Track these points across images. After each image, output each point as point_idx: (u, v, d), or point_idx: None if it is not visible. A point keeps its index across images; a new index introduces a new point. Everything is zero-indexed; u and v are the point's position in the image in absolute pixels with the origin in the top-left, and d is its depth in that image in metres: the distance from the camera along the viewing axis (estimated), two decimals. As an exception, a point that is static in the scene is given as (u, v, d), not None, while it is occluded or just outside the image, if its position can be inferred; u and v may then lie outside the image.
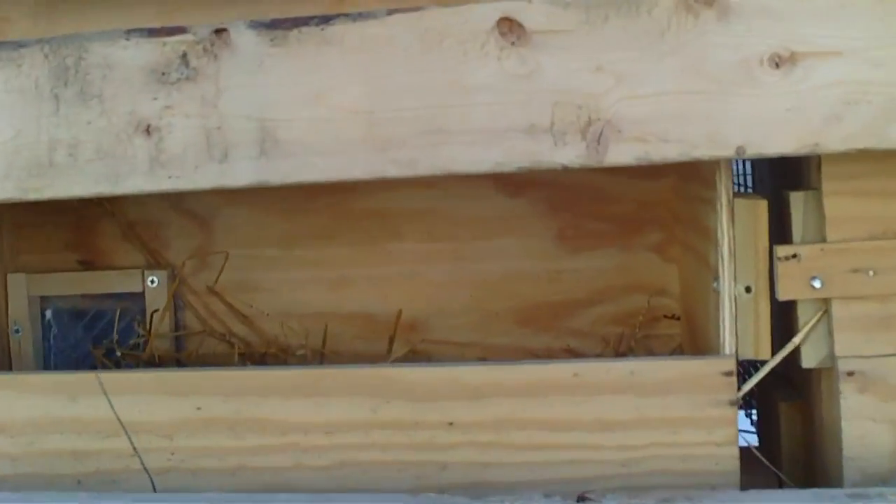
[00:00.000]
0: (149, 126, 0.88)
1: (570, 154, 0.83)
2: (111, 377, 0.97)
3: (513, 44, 0.82)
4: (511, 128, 0.83)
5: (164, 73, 0.88)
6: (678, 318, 1.23)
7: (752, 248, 0.89)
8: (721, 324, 0.89)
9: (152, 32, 0.89)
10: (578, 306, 1.24)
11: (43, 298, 1.27)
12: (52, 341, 1.28)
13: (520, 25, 0.82)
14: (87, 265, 1.30)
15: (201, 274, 1.28)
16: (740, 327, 0.89)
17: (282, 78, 0.85)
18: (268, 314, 1.27)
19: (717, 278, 0.90)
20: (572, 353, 1.25)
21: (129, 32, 0.89)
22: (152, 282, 1.26)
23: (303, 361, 1.24)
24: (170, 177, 0.88)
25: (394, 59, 0.84)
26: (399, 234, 1.25)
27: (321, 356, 1.23)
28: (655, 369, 0.89)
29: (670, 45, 0.82)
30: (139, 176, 0.89)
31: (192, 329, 1.29)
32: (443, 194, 1.23)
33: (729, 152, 0.83)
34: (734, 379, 0.88)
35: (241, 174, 0.87)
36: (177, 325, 1.29)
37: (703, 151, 0.83)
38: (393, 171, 0.84)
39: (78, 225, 1.30)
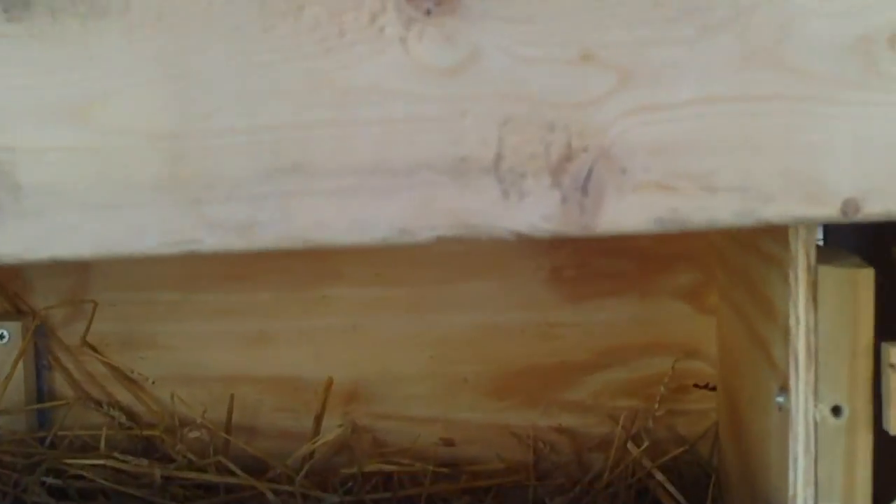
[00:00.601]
0: None
1: (533, 213, 0.48)
2: None
3: (428, 13, 0.46)
4: (424, 164, 0.48)
5: None
6: (714, 389, 0.90)
7: (847, 347, 0.55)
8: (791, 464, 0.56)
9: None
10: (577, 371, 0.91)
11: None
12: None
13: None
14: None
15: (75, 324, 0.96)
16: (823, 470, 0.56)
17: (20, 76, 0.50)
18: (153, 381, 0.95)
19: (783, 390, 0.57)
20: (566, 434, 0.92)
21: None
22: (1, 337, 0.93)
23: (198, 444, 0.92)
24: None
25: (214, 44, 0.48)
26: (337, 276, 0.92)
27: (226, 442, 0.91)
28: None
29: (722, 14, 0.48)
30: None
31: (62, 397, 0.97)
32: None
33: (830, 211, 0.47)
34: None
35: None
36: (40, 394, 0.97)
37: (781, 209, 0.47)
38: (211, 242, 0.50)
39: None
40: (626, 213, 0.48)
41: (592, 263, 0.90)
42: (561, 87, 0.47)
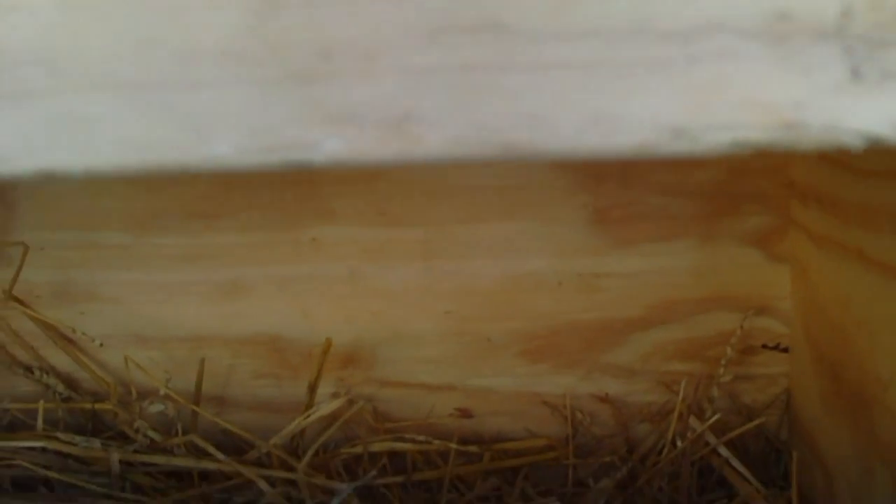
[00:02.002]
0: None
1: None
2: None
3: None
4: (718, 24, 0.28)
5: None
6: (786, 350, 0.76)
7: None
8: None
9: None
10: (625, 329, 0.76)
11: None
12: None
13: None
14: None
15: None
16: None
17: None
18: (101, 343, 0.77)
19: None
20: (610, 404, 0.77)
21: None
22: None
23: (161, 420, 0.74)
24: None
25: None
26: (330, 213, 0.74)
27: (193, 413, 0.73)
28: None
29: None
30: None
31: (-17, 362, 0.78)
32: (404, 144, 0.73)
33: None
34: None
35: None
36: (-46, 358, 0.78)
37: None
38: (332, 148, 0.28)
39: None
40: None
41: (644, 202, 0.74)
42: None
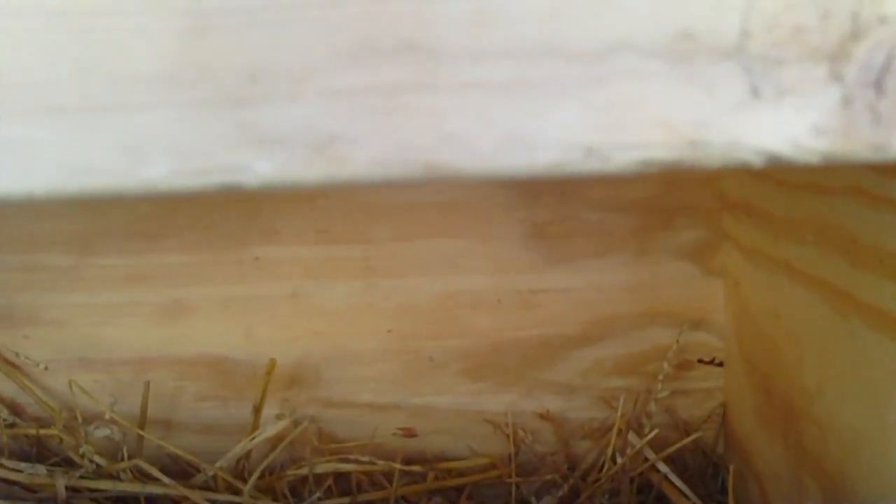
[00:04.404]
0: None
1: (797, 122, 0.29)
2: None
3: None
4: (624, 44, 0.29)
5: None
6: (721, 365, 0.77)
7: None
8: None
9: None
10: (563, 346, 0.77)
11: None
12: None
13: None
14: None
15: (-61, 296, 0.77)
16: None
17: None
18: (46, 367, 0.77)
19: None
20: (551, 421, 0.78)
21: None
22: None
23: (108, 445, 0.75)
24: None
25: None
26: (272, 232, 0.75)
27: (139, 437, 0.74)
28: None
29: None
30: None
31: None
32: (345, 166, 0.74)
33: None
34: None
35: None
36: None
37: None
38: (263, 169, 0.30)
39: None
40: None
41: (581, 217, 0.75)
42: None
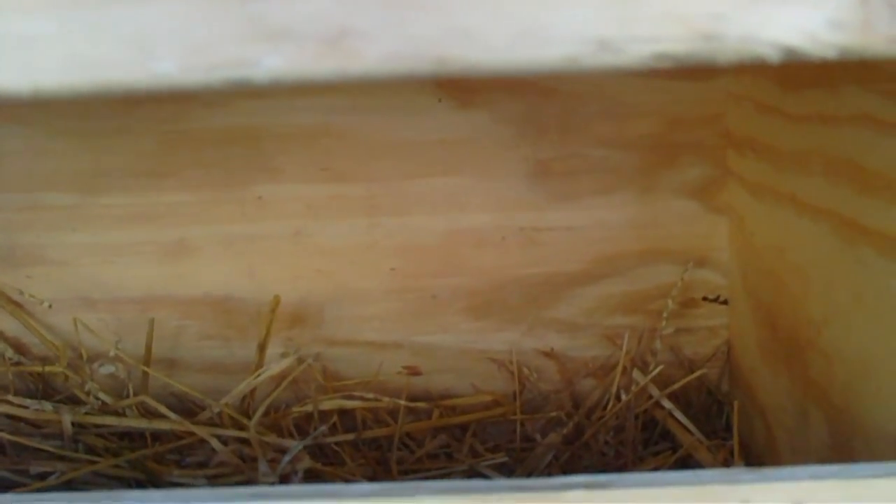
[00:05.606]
0: None
1: (812, 16, 0.29)
2: None
3: None
4: None
5: None
6: (725, 303, 0.77)
7: None
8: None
9: None
10: (567, 284, 0.77)
11: None
12: None
13: None
14: None
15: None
16: None
17: None
18: (50, 305, 0.77)
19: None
20: (555, 359, 0.78)
21: None
22: None
23: (112, 382, 0.75)
24: None
25: None
26: (275, 170, 0.75)
27: (144, 374, 0.74)
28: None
29: None
30: None
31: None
32: (348, 103, 0.73)
33: None
34: None
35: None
36: None
37: None
38: (271, 64, 0.29)
39: None
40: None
41: (584, 155, 0.75)
42: None
